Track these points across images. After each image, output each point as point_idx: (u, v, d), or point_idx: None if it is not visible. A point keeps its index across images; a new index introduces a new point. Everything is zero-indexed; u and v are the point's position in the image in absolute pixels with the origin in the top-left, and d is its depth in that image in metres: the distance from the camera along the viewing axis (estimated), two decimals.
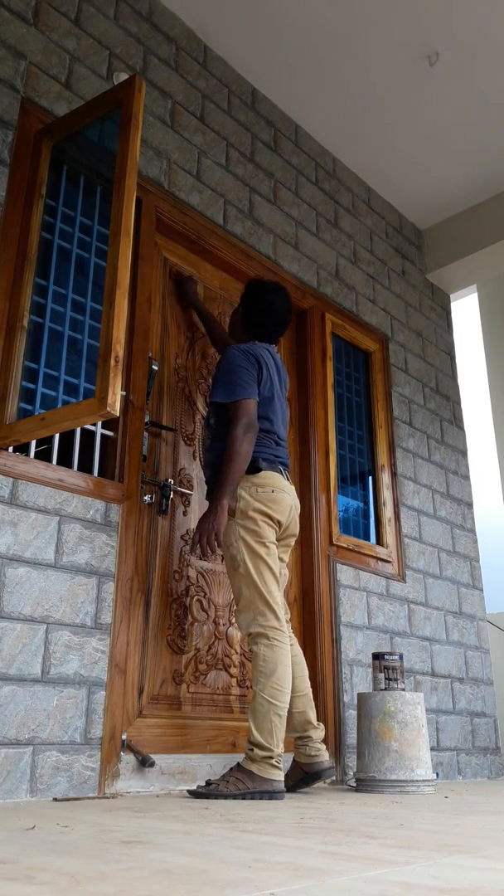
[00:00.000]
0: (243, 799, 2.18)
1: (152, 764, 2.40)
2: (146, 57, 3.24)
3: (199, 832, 1.43)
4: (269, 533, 2.46)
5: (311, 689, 2.60)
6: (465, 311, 6.70)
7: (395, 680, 2.86)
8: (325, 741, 2.62)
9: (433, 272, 4.93)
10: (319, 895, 0.87)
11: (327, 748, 2.68)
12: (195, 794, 2.21)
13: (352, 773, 3.02)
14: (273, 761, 2.25)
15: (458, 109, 4.03)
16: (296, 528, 2.61)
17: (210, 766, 2.61)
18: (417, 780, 2.66)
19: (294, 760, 2.55)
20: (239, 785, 2.20)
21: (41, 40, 2.78)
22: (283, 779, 2.28)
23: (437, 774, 3.17)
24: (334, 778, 2.46)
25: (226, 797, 2.17)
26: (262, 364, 2.59)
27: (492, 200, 4.71)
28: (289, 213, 3.85)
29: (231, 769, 2.29)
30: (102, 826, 1.50)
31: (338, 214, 4.24)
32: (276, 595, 2.41)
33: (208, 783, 2.27)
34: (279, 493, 2.49)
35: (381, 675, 2.87)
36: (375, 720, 2.74)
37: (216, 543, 2.40)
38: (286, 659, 2.35)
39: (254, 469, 2.47)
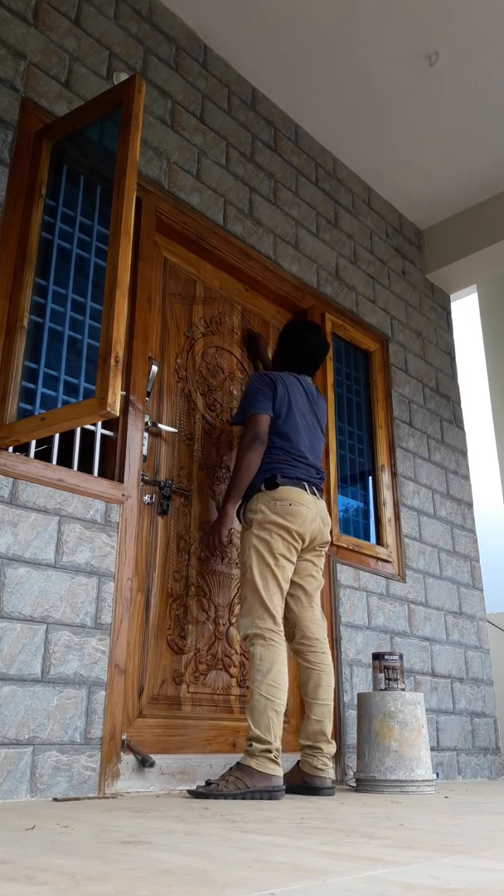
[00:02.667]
0: (243, 799, 2.18)
1: (152, 764, 2.40)
2: (146, 57, 3.23)
3: (199, 832, 1.43)
4: (283, 547, 2.52)
5: (332, 703, 2.60)
6: (465, 311, 6.70)
7: (395, 680, 2.86)
8: (333, 758, 2.61)
9: (433, 272, 4.92)
10: (319, 895, 0.87)
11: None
12: (195, 794, 2.22)
13: (352, 773, 3.02)
14: (271, 756, 2.27)
15: (457, 109, 4.03)
16: (323, 538, 2.68)
17: (210, 765, 2.61)
18: (417, 780, 2.66)
19: (298, 765, 2.55)
20: (238, 784, 2.21)
21: (41, 40, 2.78)
22: (281, 775, 2.29)
23: (437, 774, 3.17)
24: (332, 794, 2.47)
25: (226, 797, 2.18)
26: (277, 384, 2.74)
27: (492, 200, 4.71)
28: (289, 213, 3.85)
29: (231, 768, 2.30)
30: (102, 826, 1.50)
31: (338, 214, 4.24)
32: (277, 603, 2.49)
33: (208, 783, 2.27)
34: (297, 506, 2.56)
35: (381, 675, 2.87)
36: (375, 720, 2.74)
37: (218, 543, 2.70)
38: (282, 658, 2.40)
39: (272, 485, 2.57)
